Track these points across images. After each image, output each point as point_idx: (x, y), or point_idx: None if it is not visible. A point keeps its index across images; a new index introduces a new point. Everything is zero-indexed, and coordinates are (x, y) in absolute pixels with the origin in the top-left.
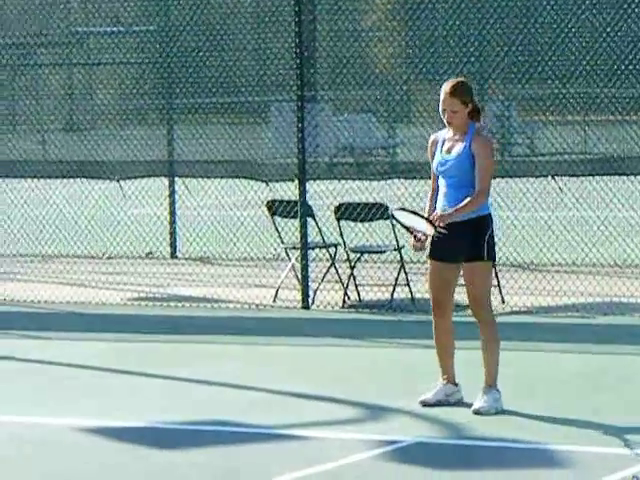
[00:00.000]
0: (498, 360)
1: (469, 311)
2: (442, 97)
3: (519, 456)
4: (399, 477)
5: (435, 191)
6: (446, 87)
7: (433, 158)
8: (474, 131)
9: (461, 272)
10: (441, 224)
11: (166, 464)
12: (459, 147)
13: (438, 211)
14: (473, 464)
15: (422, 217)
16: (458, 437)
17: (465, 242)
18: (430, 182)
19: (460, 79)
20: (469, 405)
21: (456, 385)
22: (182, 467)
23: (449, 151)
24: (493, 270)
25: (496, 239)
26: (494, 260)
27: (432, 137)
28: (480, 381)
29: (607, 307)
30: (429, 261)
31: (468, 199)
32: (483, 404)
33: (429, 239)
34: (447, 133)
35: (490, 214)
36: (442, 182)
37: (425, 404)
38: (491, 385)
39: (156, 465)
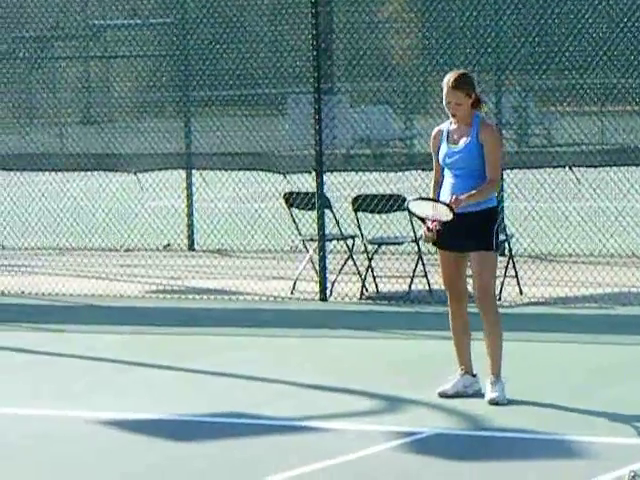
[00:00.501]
0: (502, 348)
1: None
2: (445, 90)
3: (537, 446)
4: (418, 468)
5: (439, 183)
6: (449, 80)
7: (438, 150)
8: (480, 121)
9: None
10: (456, 207)
11: (182, 456)
12: (466, 138)
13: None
14: (492, 455)
15: (442, 203)
16: (476, 428)
17: (474, 233)
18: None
19: (462, 71)
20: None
21: (474, 376)
22: (198, 459)
23: (456, 142)
24: (511, 261)
25: (513, 230)
26: (499, 251)
27: (435, 130)
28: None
29: (625, 298)
30: (439, 252)
31: (482, 186)
32: (497, 394)
33: (439, 229)
34: (451, 125)
35: (497, 206)
36: (448, 174)
37: (443, 395)
38: (498, 375)
39: (172, 457)
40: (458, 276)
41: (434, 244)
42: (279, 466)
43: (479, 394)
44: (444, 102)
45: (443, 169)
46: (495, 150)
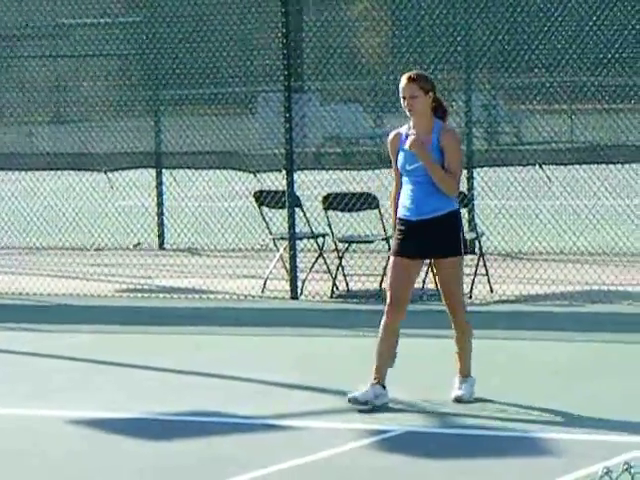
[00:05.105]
0: (471, 349)
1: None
2: (401, 85)
3: (509, 444)
4: (389, 466)
5: (398, 190)
6: (404, 75)
7: (396, 155)
8: (441, 127)
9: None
10: (414, 145)
11: (152, 454)
12: (426, 144)
13: (403, 210)
14: (463, 453)
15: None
16: (447, 426)
17: (440, 238)
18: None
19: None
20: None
21: (384, 388)
22: (168, 457)
23: None
24: (482, 259)
25: (484, 228)
26: (466, 254)
27: (393, 133)
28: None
29: (595, 295)
30: (393, 258)
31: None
32: (463, 392)
33: (397, 237)
34: (410, 130)
35: (459, 210)
36: (407, 180)
37: (353, 401)
38: (467, 375)
39: (143, 455)
40: (409, 284)
41: (395, 254)
42: (249, 465)
43: (385, 407)
44: (402, 102)
45: (402, 176)
46: (456, 152)
